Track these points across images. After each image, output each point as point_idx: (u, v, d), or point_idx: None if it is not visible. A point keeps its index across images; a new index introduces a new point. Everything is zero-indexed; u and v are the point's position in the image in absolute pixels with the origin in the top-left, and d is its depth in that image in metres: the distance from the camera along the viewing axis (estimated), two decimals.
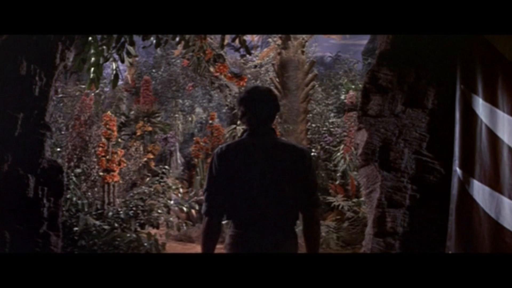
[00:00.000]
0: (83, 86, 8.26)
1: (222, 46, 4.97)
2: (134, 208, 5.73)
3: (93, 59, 3.44)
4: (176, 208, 6.73)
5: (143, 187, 6.61)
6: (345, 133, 8.06)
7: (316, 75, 8.64)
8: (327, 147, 8.30)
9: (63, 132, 7.20)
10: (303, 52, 8.50)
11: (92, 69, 3.46)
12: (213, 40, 6.64)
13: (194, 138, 9.51)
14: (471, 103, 2.56)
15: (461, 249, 2.52)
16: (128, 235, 5.10)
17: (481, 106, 2.53)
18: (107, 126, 6.04)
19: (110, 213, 5.58)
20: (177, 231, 6.65)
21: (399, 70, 2.79)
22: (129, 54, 3.59)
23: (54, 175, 3.14)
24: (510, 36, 2.49)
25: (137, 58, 10.68)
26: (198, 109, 12.67)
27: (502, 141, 2.48)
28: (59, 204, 3.18)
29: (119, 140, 7.07)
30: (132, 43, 3.56)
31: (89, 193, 6.00)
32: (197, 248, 5.92)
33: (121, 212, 5.62)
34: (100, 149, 5.99)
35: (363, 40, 12.86)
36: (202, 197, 2.40)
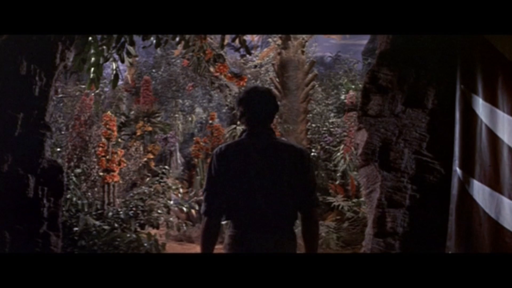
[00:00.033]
0: (83, 86, 8.25)
1: (222, 46, 4.97)
2: (134, 208, 5.73)
3: (93, 59, 3.44)
4: (176, 208, 6.73)
5: (143, 187, 6.61)
6: (345, 133, 8.05)
7: (316, 75, 8.64)
8: (327, 147, 8.30)
9: (63, 132, 7.20)
10: (303, 52, 8.50)
11: (92, 69, 3.46)
12: (213, 40, 6.64)
13: (194, 138, 9.51)
14: (471, 103, 2.56)
15: (461, 249, 2.52)
16: (128, 235, 5.10)
17: (481, 106, 2.53)
18: (107, 126, 6.04)
19: (110, 213, 5.58)
20: (177, 231, 6.65)
21: (399, 70, 2.79)
22: (129, 54, 3.59)
23: (54, 175, 3.14)
24: (510, 36, 2.49)
25: (137, 58, 10.67)
26: (198, 109, 12.67)
27: (502, 141, 2.48)
28: (59, 204, 3.18)
29: (119, 140, 7.07)
30: (132, 43, 3.56)
31: (89, 193, 5.99)
32: (197, 248, 5.91)
33: (121, 212, 5.62)
34: (100, 149, 5.99)
35: (363, 40, 12.86)
36: (202, 197, 2.40)
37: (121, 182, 6.49)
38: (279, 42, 8.56)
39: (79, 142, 6.54)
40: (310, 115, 8.91)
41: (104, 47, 3.45)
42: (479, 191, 2.50)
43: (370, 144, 2.81)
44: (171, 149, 10.48)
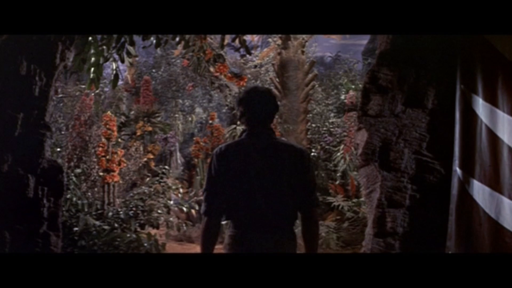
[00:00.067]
0: (83, 86, 8.25)
1: (222, 46, 4.97)
2: (134, 208, 5.73)
3: (93, 59, 3.44)
4: (176, 208, 6.73)
5: (143, 187, 6.61)
6: (345, 133, 8.05)
7: (316, 75, 8.64)
8: (327, 147, 8.30)
9: (63, 132, 7.20)
10: (303, 52, 8.50)
11: (92, 69, 3.46)
12: (213, 40, 6.64)
13: (194, 138, 9.51)
14: (471, 103, 2.56)
15: (461, 249, 2.52)
16: (128, 235, 5.10)
17: (481, 106, 2.53)
18: (107, 126, 6.04)
19: (110, 213, 5.58)
20: (177, 231, 6.65)
21: (399, 70, 2.79)
22: (129, 54, 3.59)
23: (54, 175, 3.14)
24: (510, 36, 2.49)
25: (137, 58, 10.67)
26: (198, 109, 12.68)
27: (502, 141, 2.48)
28: (59, 204, 3.18)
29: (119, 140, 7.07)
30: (132, 43, 3.56)
31: (89, 193, 5.99)
32: (197, 248, 5.92)
33: (121, 212, 5.62)
34: (100, 149, 5.99)
35: (363, 40, 12.86)
36: (202, 197, 2.40)
37: (121, 182, 6.49)
38: (279, 42, 8.56)
39: (79, 142, 6.53)
40: (310, 115, 8.91)
41: (104, 47, 3.45)
42: (479, 191, 2.50)
43: (370, 144, 2.81)
44: (171, 149, 10.48)
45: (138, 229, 5.52)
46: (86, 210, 5.34)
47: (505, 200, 2.45)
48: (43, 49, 3.08)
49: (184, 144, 11.62)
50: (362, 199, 6.28)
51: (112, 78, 3.75)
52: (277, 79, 8.51)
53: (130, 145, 7.90)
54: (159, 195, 6.35)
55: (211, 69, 6.38)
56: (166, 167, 8.21)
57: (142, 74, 11.29)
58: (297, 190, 2.30)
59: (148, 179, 7.40)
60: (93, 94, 7.51)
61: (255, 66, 11.21)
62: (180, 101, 11.98)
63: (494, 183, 2.48)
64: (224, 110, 11.51)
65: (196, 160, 9.00)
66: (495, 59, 2.53)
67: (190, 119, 12.36)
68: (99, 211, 5.61)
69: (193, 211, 6.79)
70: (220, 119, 10.96)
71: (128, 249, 4.90)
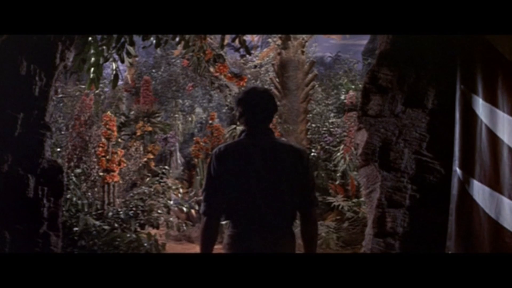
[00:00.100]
0: (83, 86, 8.25)
1: (222, 46, 4.97)
2: (134, 208, 5.74)
3: (93, 59, 3.44)
4: (176, 208, 6.73)
5: (143, 187, 6.61)
6: (345, 133, 8.05)
7: (316, 75, 8.63)
8: (327, 147, 8.29)
9: (63, 132, 7.21)
10: (303, 52, 8.49)
11: (92, 69, 3.45)
12: (213, 40, 6.64)
13: (194, 138, 9.51)
14: (471, 103, 2.56)
15: (461, 249, 2.52)
16: (128, 235, 5.10)
17: (481, 106, 2.53)
18: (107, 126, 6.04)
19: (110, 213, 5.58)
20: (177, 231, 6.65)
21: (399, 70, 2.79)
22: (129, 54, 3.58)
23: (54, 175, 3.14)
24: (510, 36, 2.49)
25: (137, 58, 10.68)
26: (198, 109, 12.68)
27: (502, 141, 2.48)
28: (59, 204, 3.18)
29: (119, 140, 7.07)
30: (132, 43, 3.56)
31: (89, 193, 5.99)
32: (197, 248, 5.91)
33: (121, 212, 5.62)
34: (100, 149, 5.99)
35: (363, 40, 12.86)
36: (201, 197, 2.41)
37: (121, 182, 6.49)
38: (279, 42, 8.56)
39: (79, 142, 6.53)
40: (310, 115, 8.91)
41: (104, 47, 3.44)
42: (479, 191, 2.50)
43: (370, 144, 2.81)
44: (171, 149, 10.49)
45: (138, 229, 5.52)
46: (86, 210, 5.34)
47: (505, 200, 2.45)
48: (43, 49, 3.08)
49: (184, 144, 11.62)
50: (362, 199, 6.28)
51: (112, 78, 3.75)
52: (277, 79, 8.51)
53: (130, 145, 7.90)
54: (159, 195, 6.35)
55: (211, 69, 6.38)
56: (166, 167, 8.23)
57: (142, 74, 11.28)
58: (296, 190, 2.31)
59: (148, 179, 7.40)
60: (93, 94, 7.51)
61: (255, 66, 11.21)
62: (180, 101, 11.98)
63: (494, 183, 2.48)
64: (224, 110, 11.51)
65: (196, 160, 9.00)
66: (495, 59, 2.54)
67: (190, 119, 12.36)
68: (99, 211, 5.61)
69: (193, 211, 6.79)
70: (220, 119, 10.97)
71: (128, 249, 4.90)
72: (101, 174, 5.99)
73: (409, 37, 2.74)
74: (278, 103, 8.21)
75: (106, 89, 9.76)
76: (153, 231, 5.66)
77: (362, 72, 11.20)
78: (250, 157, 2.30)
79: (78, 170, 6.08)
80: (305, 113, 8.35)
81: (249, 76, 10.17)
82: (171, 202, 6.39)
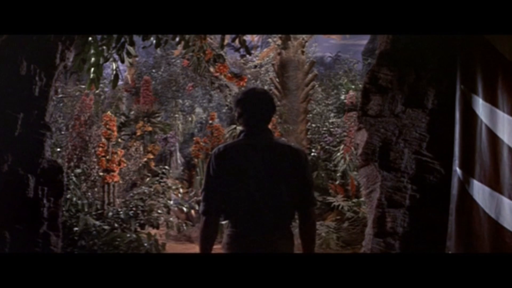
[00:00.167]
0: (83, 86, 8.25)
1: (222, 46, 4.97)
2: (134, 208, 5.73)
3: (93, 59, 3.44)
4: (176, 208, 6.73)
5: (143, 187, 6.61)
6: (345, 133, 8.05)
7: (316, 75, 8.64)
8: (327, 147, 8.29)
9: (63, 132, 7.20)
10: (303, 52, 8.50)
11: (92, 69, 3.45)
12: (213, 40, 6.63)
13: (194, 138, 9.51)
14: (471, 103, 2.56)
15: (461, 249, 2.52)
16: (128, 235, 5.10)
17: (481, 106, 2.53)
18: (107, 126, 6.03)
19: (110, 213, 5.58)
20: (177, 232, 6.65)
21: (399, 70, 2.79)
22: (129, 54, 3.58)
23: (54, 175, 3.14)
24: (510, 36, 2.49)
25: (137, 58, 10.68)
26: (198, 109, 12.69)
27: (502, 141, 2.48)
28: (59, 204, 3.18)
29: (119, 140, 7.07)
30: (132, 43, 3.56)
31: (89, 193, 5.99)
32: (196, 248, 5.92)
33: (121, 212, 5.62)
34: (100, 149, 5.99)
35: (363, 40, 12.87)
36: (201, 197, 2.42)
37: (121, 182, 6.49)
38: (279, 42, 8.56)
39: (79, 142, 6.53)
40: (310, 115, 8.91)
41: (104, 47, 3.44)
42: (479, 191, 2.50)
43: (370, 144, 2.81)
44: (171, 149, 10.49)
45: (138, 229, 5.52)
46: (86, 210, 5.34)
47: (505, 200, 2.45)
48: (43, 49, 3.08)
49: (184, 144, 11.62)
50: (362, 199, 6.28)
51: (112, 78, 3.75)
52: (277, 79, 8.51)
53: (130, 145, 7.90)
54: (159, 195, 6.35)
55: (211, 69, 6.38)
56: (166, 167, 8.23)
57: (142, 74, 11.28)
58: (295, 190, 2.33)
59: (148, 179, 7.40)
60: (93, 94, 7.51)
61: (255, 66, 11.21)
62: (180, 101, 11.98)
63: (494, 183, 2.48)
64: (224, 110, 11.51)
65: (196, 160, 9.00)
66: (495, 59, 2.53)
67: (190, 119, 12.36)
68: (99, 211, 5.61)
69: (192, 211, 6.79)
70: (220, 119, 10.97)
71: (128, 249, 4.90)
72: (101, 174, 5.99)
73: (409, 37, 2.74)
74: (278, 103, 8.25)
75: (106, 89, 9.76)
76: (153, 231, 5.66)
77: (362, 72, 11.20)
78: (249, 157, 2.31)
79: (78, 170, 6.08)
80: (305, 113, 8.35)
81: (249, 76, 10.17)
82: (171, 202, 6.39)
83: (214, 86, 8.96)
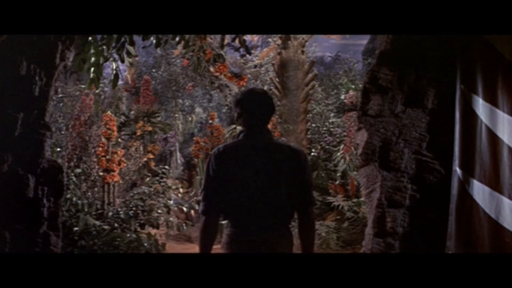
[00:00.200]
0: (83, 86, 8.25)
1: (222, 46, 4.97)
2: (134, 208, 5.73)
3: (93, 59, 3.44)
4: (176, 208, 6.73)
5: (143, 187, 6.61)
6: (345, 133, 8.05)
7: (316, 75, 8.64)
8: (327, 147, 8.29)
9: (63, 132, 7.20)
10: (303, 52, 8.50)
11: (92, 69, 3.46)
12: (213, 40, 6.64)
13: (194, 138, 9.50)
14: (471, 103, 2.56)
15: (461, 249, 2.52)
16: (128, 235, 5.10)
17: (481, 106, 2.53)
18: (107, 126, 6.03)
19: (110, 213, 5.58)
20: (177, 231, 6.65)
21: (399, 70, 2.79)
22: (129, 54, 3.59)
23: (54, 175, 3.14)
24: (510, 36, 2.49)
25: (137, 58, 10.68)
26: (198, 109, 12.69)
27: (502, 141, 2.48)
28: (59, 204, 3.18)
29: (119, 140, 7.06)
30: (132, 43, 3.56)
31: (89, 193, 5.99)
32: (196, 248, 5.92)
33: (121, 212, 5.62)
34: (100, 149, 5.98)
35: (363, 40, 12.87)
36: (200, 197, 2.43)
37: (121, 182, 6.49)
38: (279, 42, 8.56)
39: (79, 142, 6.53)
40: (310, 115, 8.91)
41: (104, 47, 3.45)
42: (479, 191, 2.50)
43: (370, 144, 2.81)
44: (171, 149, 10.49)
45: (138, 229, 5.52)
46: (86, 210, 5.33)
47: (505, 200, 2.45)
48: (43, 49, 3.08)
49: (184, 144, 11.62)
50: (362, 199, 6.28)
51: (112, 78, 3.75)
52: (277, 79, 8.51)
53: (130, 145, 7.90)
54: (159, 195, 6.35)
55: (211, 69, 6.38)
56: (166, 167, 8.22)
57: (142, 74, 11.28)
58: (294, 189, 2.33)
59: (148, 179, 7.40)
60: (93, 94, 7.51)
61: (255, 66, 11.21)
62: (180, 101, 11.98)
63: (494, 183, 2.48)
64: (224, 110, 11.51)
65: (196, 160, 9.00)
66: (495, 59, 2.53)
67: (190, 119, 12.36)
68: (99, 211, 5.61)
69: (192, 211, 6.79)
70: (220, 119, 10.97)
71: (128, 249, 4.90)
72: (101, 174, 5.99)
73: (409, 37, 2.74)
74: (278, 103, 8.24)
75: (106, 89, 9.76)
76: (153, 231, 5.65)
77: (362, 72, 11.20)
78: (248, 157, 2.32)
79: (78, 170, 6.08)
80: (305, 113, 8.35)
81: (249, 76, 10.17)
82: (171, 202, 6.39)
83: (214, 86, 8.96)
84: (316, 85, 9.59)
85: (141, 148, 8.30)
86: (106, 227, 5.10)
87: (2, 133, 2.98)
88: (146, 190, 6.29)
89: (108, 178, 5.89)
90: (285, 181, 2.31)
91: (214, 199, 2.33)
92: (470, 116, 2.56)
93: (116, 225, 5.33)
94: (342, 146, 7.88)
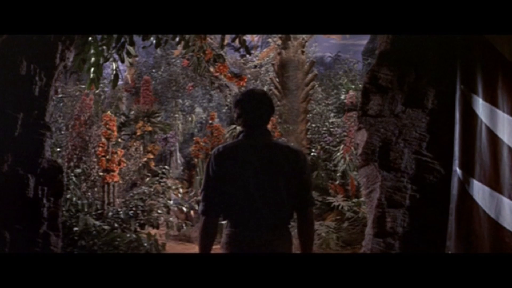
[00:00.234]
0: (83, 86, 8.26)
1: (222, 46, 4.97)
2: (134, 208, 5.74)
3: (93, 59, 3.44)
4: (176, 208, 6.73)
5: (143, 187, 6.61)
6: (345, 133, 8.05)
7: (316, 75, 8.64)
8: (327, 147, 8.29)
9: (63, 132, 7.21)
10: (303, 52, 8.50)
11: (92, 69, 3.46)
12: (213, 40, 6.64)
13: (194, 138, 9.50)
14: (471, 103, 2.56)
15: (461, 249, 2.52)
16: (128, 235, 5.10)
17: (481, 106, 2.53)
18: (107, 126, 6.04)
19: (110, 213, 5.58)
20: (177, 231, 6.65)
21: (399, 70, 2.79)
22: (129, 54, 3.59)
23: (54, 175, 3.14)
24: (510, 36, 2.49)
25: (137, 58, 10.69)
26: (198, 109, 12.69)
27: (502, 141, 2.48)
28: (59, 204, 3.18)
29: (119, 140, 7.07)
30: (132, 43, 3.56)
31: (89, 193, 6.00)
32: (196, 249, 5.92)
33: (121, 212, 5.62)
34: (100, 149, 5.99)
35: (363, 40, 12.87)
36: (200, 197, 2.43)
37: (121, 182, 6.49)
38: (279, 42, 8.56)
39: (79, 142, 6.53)
40: (310, 115, 8.91)
41: (104, 47, 3.45)
42: (479, 191, 2.50)
43: (370, 144, 2.81)
44: (171, 149, 10.49)
45: (138, 229, 5.52)
46: (86, 210, 5.34)
47: (505, 200, 2.45)
48: (43, 49, 3.08)
49: (184, 144, 11.62)
50: (362, 199, 6.28)
51: (112, 78, 3.76)
52: (277, 79, 8.51)
53: (130, 145, 7.90)
54: (159, 195, 6.35)
55: (211, 69, 6.39)
56: (166, 167, 8.22)
57: (142, 74, 11.29)
58: (293, 190, 2.34)
59: (148, 179, 7.40)
60: (93, 94, 7.51)
61: (255, 66, 11.22)
62: (180, 101, 11.98)
63: (494, 183, 2.48)
64: (224, 110, 11.51)
65: (196, 160, 9.00)
66: (495, 59, 2.53)
67: (190, 119, 12.37)
68: (99, 211, 5.61)
69: (192, 211, 6.79)
70: (220, 119, 10.97)
71: (128, 249, 4.90)
72: (101, 174, 5.99)
73: (409, 37, 2.74)
74: (278, 103, 8.23)
75: (106, 89, 9.76)
76: (153, 231, 5.66)
77: (362, 72, 11.20)
78: (248, 158, 2.32)
79: (78, 170, 6.08)
80: (305, 113, 8.35)
81: (249, 76, 10.18)
82: (171, 202, 6.39)
83: (214, 86, 8.96)
84: (316, 85, 9.59)
85: (141, 148, 8.31)
86: (106, 227, 5.10)
87: (2, 133, 2.98)
88: (146, 190, 6.29)
89: (108, 178, 5.89)
90: (284, 181, 2.31)
91: (214, 199, 2.33)
92: (470, 116, 2.56)
93: (116, 225, 5.34)
94: (342, 146, 7.88)
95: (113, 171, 5.95)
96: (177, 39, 4.10)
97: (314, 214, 2.55)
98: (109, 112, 6.50)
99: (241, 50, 4.20)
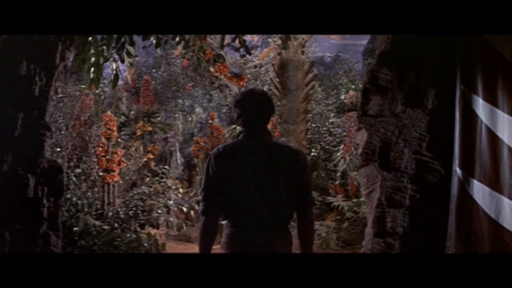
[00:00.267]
0: (83, 86, 8.26)
1: (222, 46, 4.98)
2: (134, 208, 5.74)
3: (93, 59, 3.44)
4: (176, 209, 6.73)
5: (143, 187, 6.61)
6: (345, 133, 8.05)
7: (316, 75, 8.64)
8: (327, 147, 8.30)
9: (63, 132, 7.21)
10: (303, 52, 8.50)
11: (92, 69, 3.46)
12: (213, 40, 6.64)
13: (194, 138, 9.50)
14: (471, 103, 2.56)
15: (461, 249, 2.52)
16: (128, 235, 5.10)
17: (481, 106, 2.53)
18: (107, 126, 6.04)
19: (110, 213, 5.59)
20: (177, 231, 6.65)
21: (399, 70, 2.79)
22: (129, 54, 3.59)
23: (54, 175, 3.14)
24: (510, 36, 2.49)
25: (137, 58, 10.69)
26: (198, 109, 12.69)
27: (502, 141, 2.48)
28: (59, 204, 3.18)
29: (119, 140, 7.07)
30: (132, 43, 3.56)
31: (89, 193, 6.00)
32: (196, 249, 5.92)
33: (121, 212, 5.62)
34: (100, 149, 5.99)
35: (363, 40, 12.88)
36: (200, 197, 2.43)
37: (121, 182, 6.49)
38: (279, 42, 8.56)
39: (79, 142, 6.53)
40: (310, 115, 8.91)
41: (104, 47, 3.45)
42: (479, 191, 2.50)
43: (370, 144, 2.81)
44: (171, 149, 10.49)
45: (138, 229, 5.52)
46: (86, 210, 5.34)
47: (505, 200, 2.45)
48: (43, 49, 3.08)
49: (184, 144, 11.62)
50: (362, 199, 6.28)
51: (112, 78, 3.76)
52: (277, 79, 8.51)
53: (130, 145, 7.90)
54: (159, 195, 6.35)
55: (211, 69, 6.38)
56: (166, 167, 8.22)
57: (142, 74, 11.29)
58: (293, 190, 2.34)
59: (148, 179, 7.40)
60: (93, 94, 7.51)
61: (255, 66, 11.22)
62: (180, 101, 11.99)
63: (494, 183, 2.48)
64: (224, 110, 11.51)
65: (196, 160, 9.00)
66: (495, 59, 2.53)
67: (190, 119, 12.37)
68: (99, 211, 5.61)
69: (192, 211, 6.79)
70: (220, 119, 10.97)
71: (128, 249, 4.90)
72: (101, 174, 5.99)
73: (409, 37, 2.74)
74: (278, 103, 8.23)
75: (106, 89, 9.76)
76: (153, 231, 5.66)
77: (362, 72, 11.21)
78: (248, 158, 2.32)
79: (78, 170, 6.08)
80: (305, 113, 8.35)
81: (249, 76, 10.18)
82: (171, 202, 6.39)
83: (214, 86, 8.97)
84: (316, 85, 9.60)
85: (141, 148, 8.31)
86: (106, 227, 5.10)
87: (2, 133, 2.98)
88: (146, 190, 6.29)
89: (108, 178, 5.89)
90: (284, 181, 2.32)
91: (214, 199, 2.33)
92: (470, 116, 2.56)
93: (116, 225, 5.34)
94: (342, 146, 7.88)
95: (113, 171, 5.95)
96: (177, 39, 4.11)
97: (314, 214, 2.55)
98: (109, 112, 6.50)
99: (241, 50, 4.20)
